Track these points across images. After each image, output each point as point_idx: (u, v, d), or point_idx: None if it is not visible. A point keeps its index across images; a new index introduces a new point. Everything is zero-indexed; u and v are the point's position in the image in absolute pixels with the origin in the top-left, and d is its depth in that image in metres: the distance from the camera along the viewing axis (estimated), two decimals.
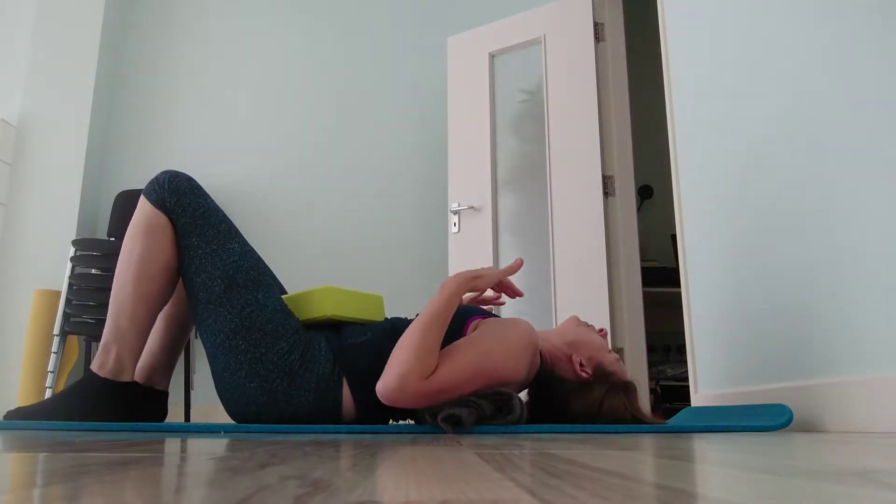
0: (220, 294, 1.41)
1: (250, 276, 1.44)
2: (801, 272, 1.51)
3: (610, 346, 1.64)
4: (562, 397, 1.46)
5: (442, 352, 1.33)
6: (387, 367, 1.29)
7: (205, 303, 1.42)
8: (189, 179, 1.48)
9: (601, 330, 1.57)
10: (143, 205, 1.47)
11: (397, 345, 1.32)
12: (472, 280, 1.42)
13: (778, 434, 1.25)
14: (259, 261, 1.50)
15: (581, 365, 1.47)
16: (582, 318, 1.60)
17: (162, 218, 1.45)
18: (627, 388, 1.48)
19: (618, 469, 0.48)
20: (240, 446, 0.76)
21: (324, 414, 1.41)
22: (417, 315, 1.38)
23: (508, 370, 1.36)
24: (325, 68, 3.69)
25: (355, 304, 1.55)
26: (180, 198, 1.45)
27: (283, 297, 1.52)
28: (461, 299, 1.50)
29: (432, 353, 1.30)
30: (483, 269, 1.46)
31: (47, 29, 3.52)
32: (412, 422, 1.50)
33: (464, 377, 1.30)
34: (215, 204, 1.51)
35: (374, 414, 1.43)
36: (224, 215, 1.51)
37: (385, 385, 1.27)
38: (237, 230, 1.51)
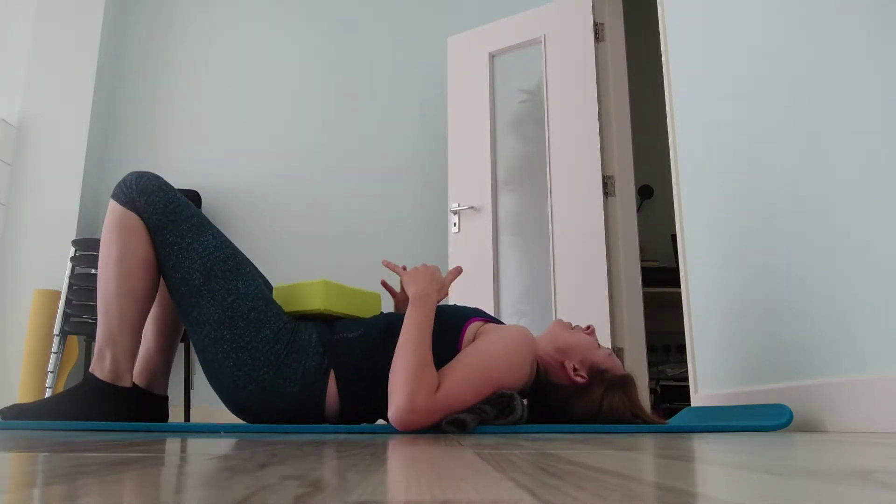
0: (201, 286, 1.42)
1: (228, 265, 1.45)
2: (801, 272, 1.51)
3: (609, 346, 1.63)
4: (561, 403, 1.45)
5: (447, 366, 1.33)
6: (391, 394, 1.28)
7: (187, 297, 1.43)
8: (156, 178, 1.49)
9: (588, 328, 1.55)
10: (114, 207, 1.47)
11: (393, 370, 1.30)
12: (439, 292, 1.44)
13: (778, 434, 1.25)
14: (236, 251, 1.50)
15: (575, 369, 1.46)
16: (566, 321, 1.57)
17: (133, 217, 1.45)
18: (625, 384, 1.47)
19: (618, 469, 0.48)
20: (240, 446, 0.76)
21: (309, 405, 1.41)
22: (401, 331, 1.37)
23: (512, 378, 1.36)
24: (325, 68, 3.69)
25: (349, 300, 1.54)
26: (149, 196, 1.46)
27: (277, 286, 1.53)
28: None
29: (430, 367, 1.30)
30: (436, 275, 1.47)
31: (47, 29, 3.52)
32: None
33: (472, 389, 1.30)
34: (185, 199, 1.51)
35: (358, 410, 1.43)
36: (195, 209, 1.51)
37: (397, 410, 1.25)
38: (210, 222, 1.52)
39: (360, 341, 1.44)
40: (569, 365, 1.46)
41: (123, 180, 1.49)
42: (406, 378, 1.26)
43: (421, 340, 1.31)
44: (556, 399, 1.46)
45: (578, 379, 1.45)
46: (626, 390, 1.46)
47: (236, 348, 1.40)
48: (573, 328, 1.54)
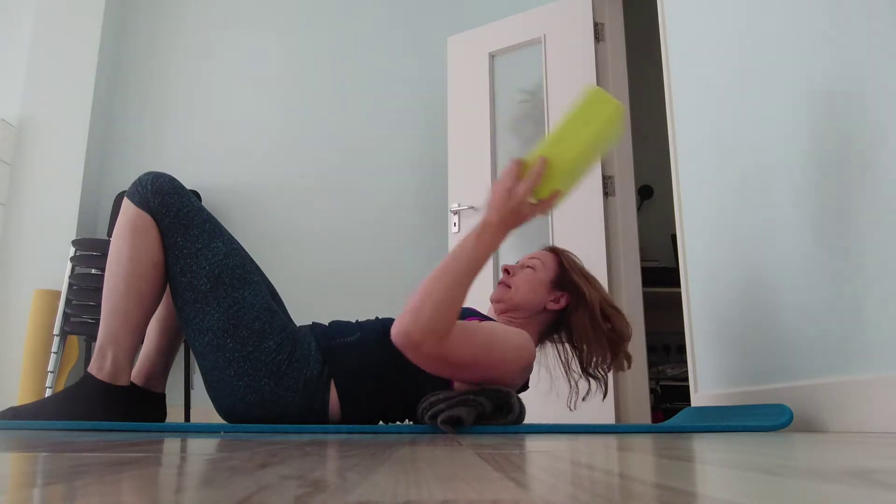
0: (207, 293, 1.41)
1: (236, 274, 1.44)
2: (801, 272, 1.51)
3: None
4: (582, 327, 1.50)
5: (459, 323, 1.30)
6: (406, 311, 1.24)
7: (191, 302, 1.42)
8: (172, 180, 1.48)
9: (505, 271, 1.57)
10: (127, 206, 1.47)
11: (423, 287, 1.24)
12: (518, 221, 1.35)
13: (778, 434, 1.25)
14: (245, 259, 1.49)
15: (552, 302, 1.51)
16: (499, 285, 1.59)
17: (146, 218, 1.45)
18: (570, 259, 1.58)
19: (618, 469, 0.48)
20: (240, 446, 0.76)
21: (310, 415, 1.41)
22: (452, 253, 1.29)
23: (508, 365, 1.36)
24: (324, 68, 3.69)
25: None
26: (164, 198, 1.45)
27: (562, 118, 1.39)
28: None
29: (454, 310, 1.25)
30: (513, 188, 1.34)
31: (47, 29, 3.52)
32: (410, 422, 1.50)
33: (472, 352, 1.29)
34: (199, 203, 1.51)
35: (361, 415, 1.43)
36: (208, 214, 1.50)
37: (403, 337, 1.22)
38: (222, 228, 1.50)
39: (357, 346, 1.44)
40: (549, 306, 1.52)
41: (139, 179, 1.48)
42: (430, 313, 1.22)
43: (469, 272, 1.27)
44: (577, 326, 1.50)
45: (563, 303, 1.51)
46: (585, 273, 1.56)
47: (238, 357, 1.39)
48: (506, 285, 1.56)
